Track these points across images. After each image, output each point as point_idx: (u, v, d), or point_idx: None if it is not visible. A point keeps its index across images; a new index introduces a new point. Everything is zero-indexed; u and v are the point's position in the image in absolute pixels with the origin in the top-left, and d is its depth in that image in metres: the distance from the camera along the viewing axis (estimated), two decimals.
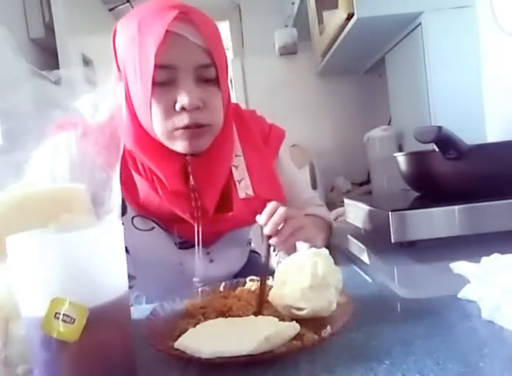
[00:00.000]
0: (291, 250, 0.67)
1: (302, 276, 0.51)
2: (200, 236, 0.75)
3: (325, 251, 0.55)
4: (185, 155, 0.74)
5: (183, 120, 0.69)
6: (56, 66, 1.89)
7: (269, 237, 0.65)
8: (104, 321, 0.38)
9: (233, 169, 0.80)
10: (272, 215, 0.65)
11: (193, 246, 0.77)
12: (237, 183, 0.79)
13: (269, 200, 0.68)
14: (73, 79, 0.55)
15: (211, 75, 0.70)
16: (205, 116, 0.70)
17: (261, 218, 0.65)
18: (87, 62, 2.02)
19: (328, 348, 0.44)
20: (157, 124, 0.70)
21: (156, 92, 0.68)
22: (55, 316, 0.35)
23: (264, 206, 0.67)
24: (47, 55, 2.05)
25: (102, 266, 0.39)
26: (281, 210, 0.65)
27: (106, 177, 0.49)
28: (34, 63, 1.92)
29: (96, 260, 0.38)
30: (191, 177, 0.74)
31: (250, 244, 0.99)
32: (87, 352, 0.37)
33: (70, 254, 0.37)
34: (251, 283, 0.63)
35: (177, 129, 0.70)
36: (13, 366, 0.42)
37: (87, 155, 0.58)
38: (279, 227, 0.65)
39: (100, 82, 0.63)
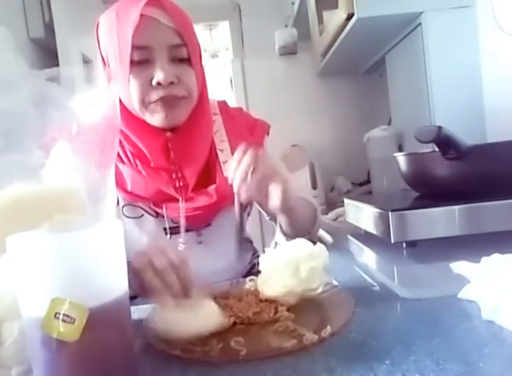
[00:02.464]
0: (263, 196, 0.71)
1: (286, 281, 0.53)
2: (183, 214, 0.80)
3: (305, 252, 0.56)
4: (165, 131, 0.80)
5: (159, 93, 0.75)
6: (56, 66, 1.88)
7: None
8: (104, 321, 0.38)
9: (219, 152, 0.86)
10: (240, 161, 0.67)
11: (185, 231, 0.81)
12: (222, 164, 0.85)
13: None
14: (73, 79, 0.55)
15: (184, 55, 0.77)
16: (180, 89, 0.77)
17: (229, 166, 0.68)
18: (87, 62, 2.02)
19: (328, 348, 0.44)
20: (135, 99, 0.76)
21: (134, 71, 0.75)
22: (55, 316, 0.35)
23: None
24: (47, 55, 2.05)
25: (103, 266, 0.39)
26: (248, 157, 0.67)
27: (100, 176, 0.49)
28: (34, 63, 1.92)
29: (96, 260, 0.38)
30: (171, 153, 0.81)
31: (251, 243, 0.99)
32: (87, 352, 0.37)
33: (70, 255, 0.37)
34: (251, 284, 0.63)
35: (153, 102, 0.76)
36: (8, 367, 0.42)
37: (81, 154, 0.58)
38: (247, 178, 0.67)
39: (99, 81, 0.63)
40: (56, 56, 1.88)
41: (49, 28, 1.92)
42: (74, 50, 1.93)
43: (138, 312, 0.61)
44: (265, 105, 2.22)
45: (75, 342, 0.36)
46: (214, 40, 3.91)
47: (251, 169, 0.67)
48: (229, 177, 0.68)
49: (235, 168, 0.68)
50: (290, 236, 0.95)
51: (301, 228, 0.92)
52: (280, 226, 0.94)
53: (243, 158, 0.67)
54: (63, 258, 0.37)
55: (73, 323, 0.35)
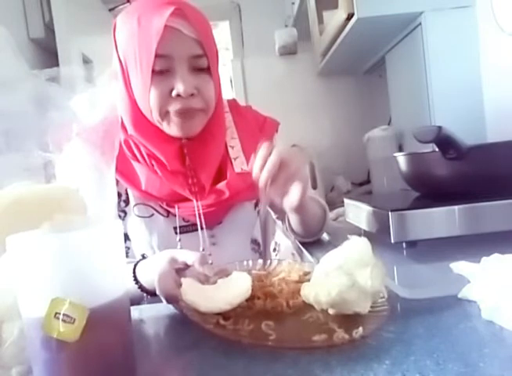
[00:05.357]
0: (284, 196, 0.71)
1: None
2: (201, 212, 0.80)
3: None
4: (181, 139, 0.80)
5: (178, 105, 0.75)
6: (56, 66, 1.88)
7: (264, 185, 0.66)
8: (104, 321, 0.38)
9: (229, 149, 0.87)
10: (266, 159, 0.66)
11: (196, 229, 0.82)
12: (233, 160, 0.85)
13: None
14: (73, 79, 0.55)
15: (204, 65, 0.77)
16: (198, 101, 0.77)
17: (255, 164, 0.67)
18: (87, 62, 2.02)
19: (327, 349, 0.44)
20: (154, 109, 0.76)
21: (155, 80, 0.74)
22: (55, 316, 0.35)
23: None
24: (47, 55, 2.05)
25: (102, 266, 0.39)
26: (275, 156, 0.66)
27: (101, 176, 0.49)
28: (34, 63, 1.92)
29: (96, 260, 0.38)
30: (187, 158, 0.81)
31: (259, 246, 0.98)
32: (87, 352, 0.37)
33: (70, 255, 0.37)
34: (288, 268, 0.63)
35: (172, 112, 0.76)
36: (8, 368, 0.42)
37: (81, 155, 0.59)
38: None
39: (98, 81, 0.63)
40: (56, 56, 1.88)
41: (49, 28, 1.92)
42: (74, 50, 1.93)
43: (138, 312, 0.61)
44: (264, 105, 2.20)
45: (75, 342, 0.36)
46: None
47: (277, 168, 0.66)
48: (253, 173, 0.67)
49: (260, 165, 0.66)
50: (299, 235, 0.96)
51: (312, 227, 0.93)
52: (290, 225, 0.95)
53: (270, 157, 0.66)
54: (63, 258, 0.37)
55: (73, 323, 0.35)
